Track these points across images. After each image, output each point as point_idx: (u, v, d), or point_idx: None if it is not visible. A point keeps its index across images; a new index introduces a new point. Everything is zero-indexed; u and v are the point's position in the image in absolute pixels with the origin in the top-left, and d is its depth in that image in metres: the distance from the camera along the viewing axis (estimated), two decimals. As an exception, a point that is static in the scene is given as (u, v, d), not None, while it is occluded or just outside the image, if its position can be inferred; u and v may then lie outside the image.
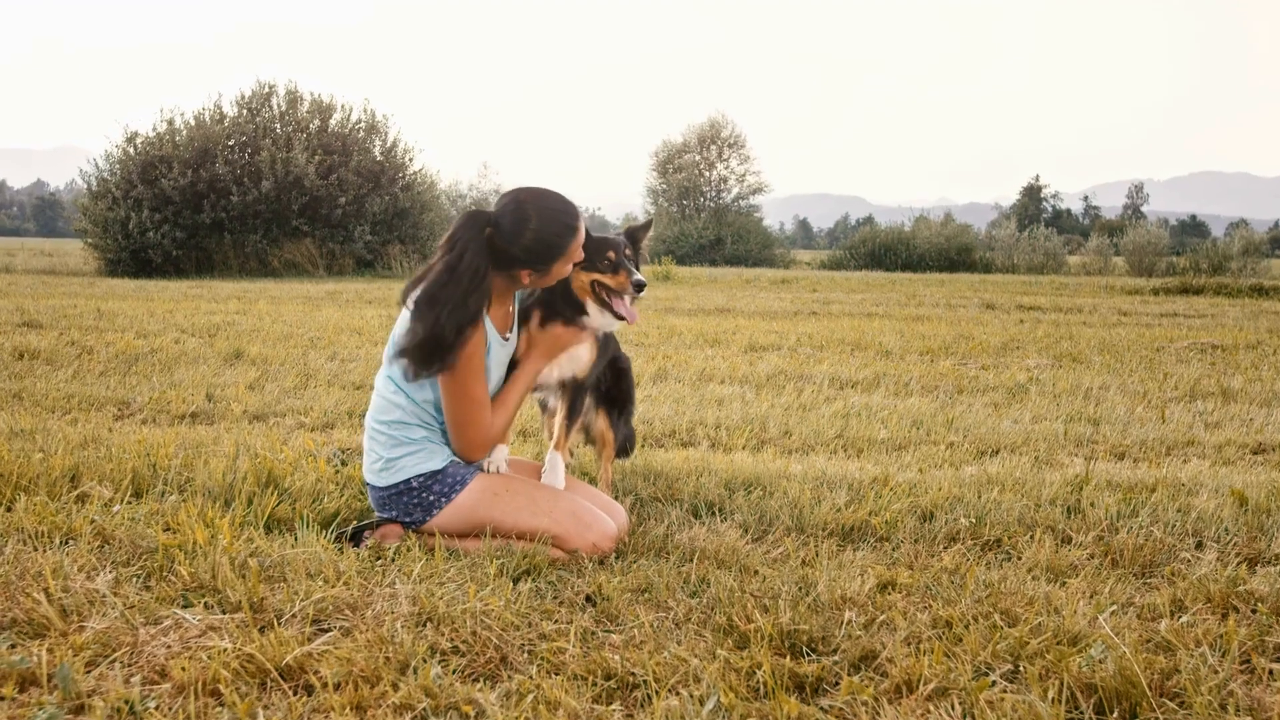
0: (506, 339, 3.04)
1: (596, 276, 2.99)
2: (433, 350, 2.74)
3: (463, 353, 2.78)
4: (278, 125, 21.45)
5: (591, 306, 3.04)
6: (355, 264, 21.11)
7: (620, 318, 3.01)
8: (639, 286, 2.97)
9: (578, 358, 3.12)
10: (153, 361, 6.51)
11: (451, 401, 2.85)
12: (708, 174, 41.49)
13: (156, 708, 1.90)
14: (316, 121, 21.66)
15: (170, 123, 20.94)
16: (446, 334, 2.73)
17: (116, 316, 9.10)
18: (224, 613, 2.33)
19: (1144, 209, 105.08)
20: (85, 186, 21.52)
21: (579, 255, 2.90)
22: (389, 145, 22.44)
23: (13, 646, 2.15)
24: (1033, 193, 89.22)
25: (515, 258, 2.82)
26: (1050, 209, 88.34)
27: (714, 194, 41.53)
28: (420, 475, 2.91)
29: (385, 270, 20.85)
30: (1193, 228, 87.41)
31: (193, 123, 20.93)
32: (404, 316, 2.93)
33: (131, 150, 20.57)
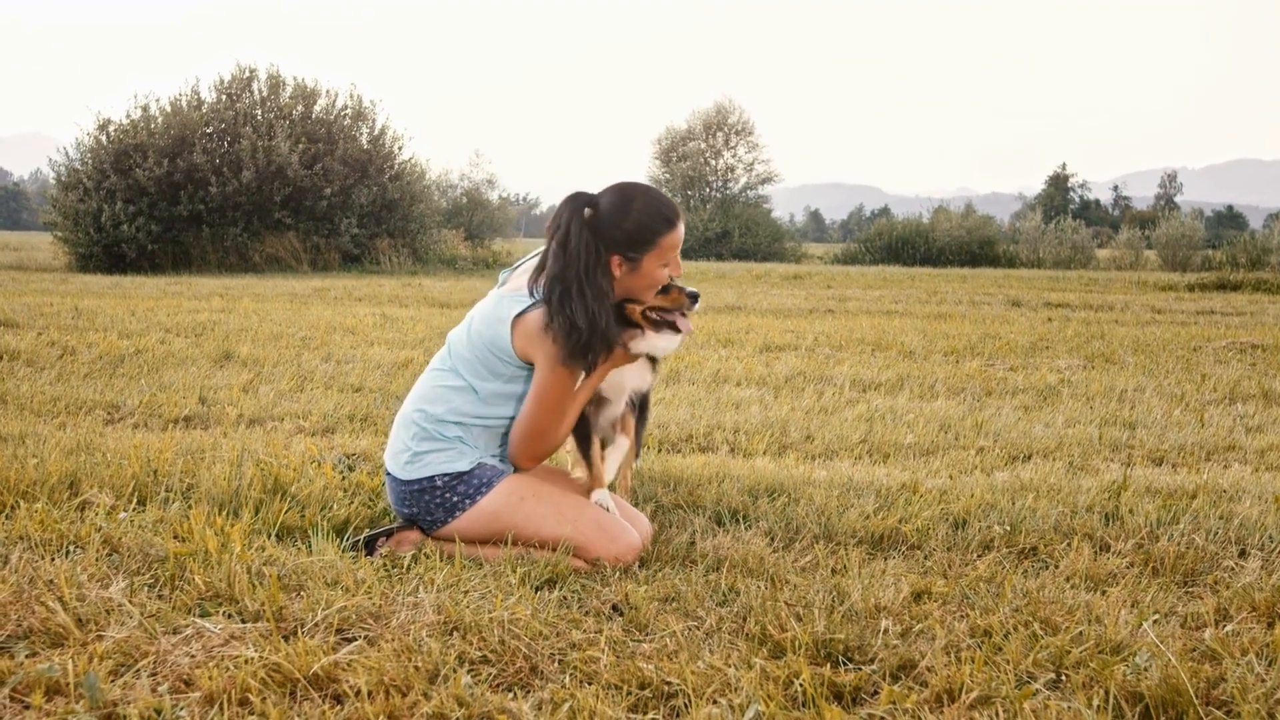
0: None
1: (649, 304, 3.08)
2: (589, 337, 2.89)
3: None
4: (259, 111, 21.57)
5: (648, 330, 3.13)
6: (341, 259, 21.23)
7: (679, 331, 3.11)
8: (694, 299, 3.11)
9: (643, 375, 3.26)
10: (139, 363, 6.60)
11: (539, 407, 2.99)
12: (714, 163, 41.63)
13: (188, 717, 1.99)
14: (300, 108, 21.78)
15: (145, 109, 21.05)
16: (596, 319, 2.88)
17: (96, 315, 9.19)
18: (244, 622, 2.42)
19: (1177, 199, 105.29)
20: (53, 176, 21.64)
21: (668, 258, 2.99)
22: (377, 133, 22.59)
23: (32, 655, 2.24)
24: (1059, 182, 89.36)
25: (612, 239, 2.94)
26: (1078, 199, 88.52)
27: (720, 184, 41.67)
28: (445, 475, 3.01)
29: (373, 265, 20.96)
30: (1229, 219, 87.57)
31: (169, 109, 21.04)
32: (491, 298, 3.10)
33: (103, 138, 20.68)
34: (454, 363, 3.11)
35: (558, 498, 3.07)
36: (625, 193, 2.98)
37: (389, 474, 3.12)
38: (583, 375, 3.05)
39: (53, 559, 2.78)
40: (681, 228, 3.03)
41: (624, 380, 3.21)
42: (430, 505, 3.03)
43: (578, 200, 2.98)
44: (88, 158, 20.76)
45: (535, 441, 3.05)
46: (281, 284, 15.64)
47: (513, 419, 3.12)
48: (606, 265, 2.95)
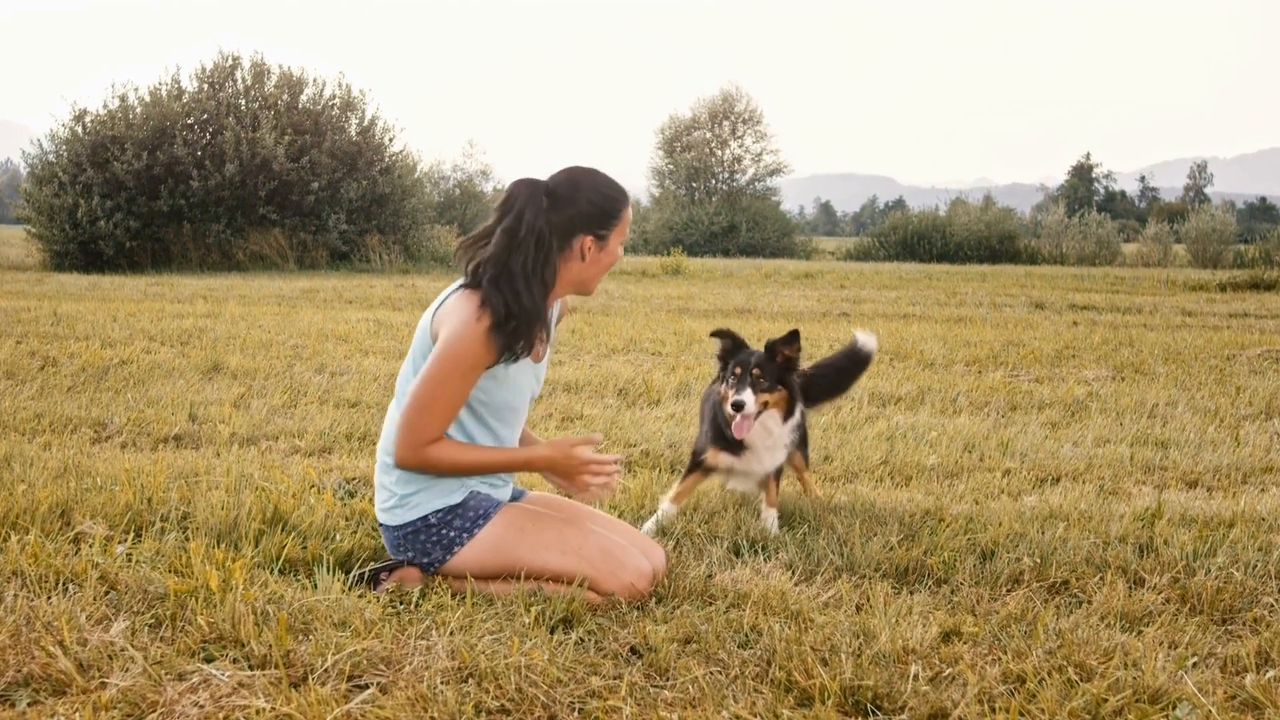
0: (535, 363, 3.16)
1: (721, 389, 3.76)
2: (519, 325, 2.91)
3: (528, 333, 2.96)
4: (242, 101, 21.65)
5: (755, 432, 3.74)
6: (329, 256, 21.30)
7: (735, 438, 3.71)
8: (736, 407, 3.62)
9: (775, 455, 3.84)
10: (123, 375, 6.64)
11: (421, 387, 2.92)
12: (720, 153, 41.68)
13: (199, 773, 2.04)
14: (286, 97, 21.86)
15: (123, 99, 21.11)
16: (535, 305, 2.93)
17: (76, 321, 9.24)
18: (250, 667, 2.46)
19: (1207, 190, 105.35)
20: (25, 169, 21.71)
21: (625, 235, 3.15)
22: (366, 124, 22.66)
23: (34, 704, 2.28)
24: (1083, 172, 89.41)
25: (582, 217, 3.01)
26: (1102, 191, 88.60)
27: (727, 175, 41.71)
28: (438, 510, 3.04)
29: (363, 264, 21.01)
30: (1262, 211, 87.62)
31: (148, 99, 21.11)
32: (424, 324, 3.07)
33: (80, 130, 20.76)
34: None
35: (559, 525, 3.10)
36: (571, 174, 3.08)
37: (381, 522, 3.15)
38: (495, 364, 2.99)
39: (49, 597, 2.82)
40: (630, 202, 3.20)
41: (755, 466, 3.82)
42: (426, 545, 3.06)
43: (534, 185, 3.02)
44: (63, 150, 20.83)
45: (412, 420, 2.92)
46: (267, 284, 15.69)
47: (488, 431, 3.11)
48: (556, 254, 2.99)
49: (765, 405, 3.69)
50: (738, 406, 3.58)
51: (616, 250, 3.14)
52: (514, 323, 2.91)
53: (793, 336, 3.75)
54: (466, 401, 3.03)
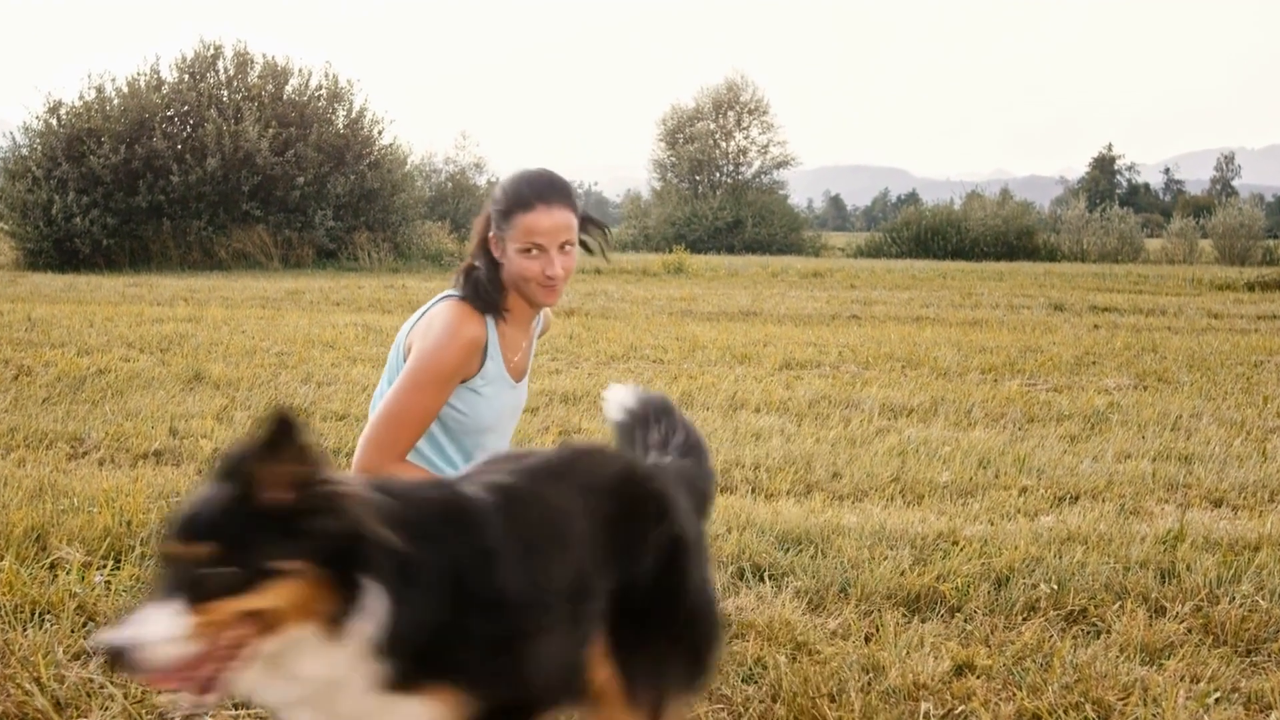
0: (516, 383, 3.11)
1: None
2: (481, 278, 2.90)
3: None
4: (225, 93, 21.69)
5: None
6: (316, 255, 21.33)
7: None
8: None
9: None
10: (101, 385, 6.66)
11: (391, 398, 2.86)
12: (724, 145, 41.68)
13: (181, 821, 2.06)
14: (270, 88, 21.90)
15: (99, 90, 21.16)
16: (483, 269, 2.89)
17: (51, 327, 9.26)
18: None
19: (1235, 183, 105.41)
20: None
21: (527, 243, 2.79)
22: (354, 116, 22.69)
23: (9, 747, 2.30)
24: (1104, 164, 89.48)
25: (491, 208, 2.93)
26: (1125, 183, 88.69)
27: (732, 168, 41.73)
28: None
29: (351, 262, 21.04)
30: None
31: (126, 90, 21.17)
32: (398, 340, 3.06)
33: (54, 122, 20.79)
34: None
35: None
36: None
37: None
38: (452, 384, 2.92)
39: (25, 629, 2.84)
40: (546, 214, 2.78)
41: None
42: None
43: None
44: (36, 143, 20.87)
45: (379, 432, 2.84)
46: (251, 285, 15.71)
47: (462, 453, 3.09)
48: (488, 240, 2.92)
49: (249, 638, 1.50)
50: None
51: (514, 257, 2.81)
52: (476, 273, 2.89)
53: (281, 434, 1.52)
54: (443, 419, 2.99)
